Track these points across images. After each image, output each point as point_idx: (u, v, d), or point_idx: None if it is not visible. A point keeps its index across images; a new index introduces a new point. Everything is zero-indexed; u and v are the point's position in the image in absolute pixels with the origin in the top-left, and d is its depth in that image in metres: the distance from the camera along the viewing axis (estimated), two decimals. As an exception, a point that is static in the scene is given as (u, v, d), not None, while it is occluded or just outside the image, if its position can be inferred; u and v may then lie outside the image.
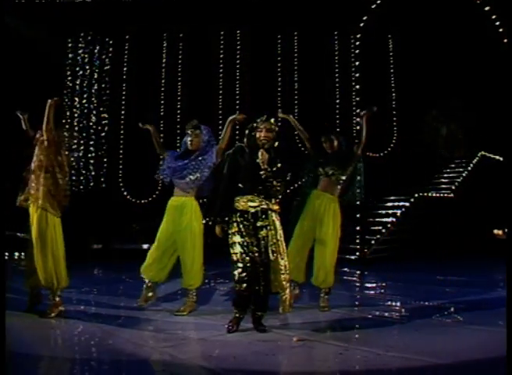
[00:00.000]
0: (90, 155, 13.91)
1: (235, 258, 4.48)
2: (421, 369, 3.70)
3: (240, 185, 4.58)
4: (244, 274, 4.43)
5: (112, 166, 13.96)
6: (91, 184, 13.79)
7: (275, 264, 4.48)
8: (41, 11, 12.76)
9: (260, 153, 4.59)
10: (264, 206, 4.55)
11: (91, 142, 13.96)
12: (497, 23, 10.39)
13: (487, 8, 10.31)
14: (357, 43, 14.28)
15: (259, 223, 4.52)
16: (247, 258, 4.44)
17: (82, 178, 13.76)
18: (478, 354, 3.99)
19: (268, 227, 4.52)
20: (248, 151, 4.64)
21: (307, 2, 13.27)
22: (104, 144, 14.00)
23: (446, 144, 14.94)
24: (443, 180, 12.98)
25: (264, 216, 4.54)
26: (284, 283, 4.48)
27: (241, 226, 4.50)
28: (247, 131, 4.78)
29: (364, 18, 11.97)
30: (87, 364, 3.86)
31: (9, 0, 12.25)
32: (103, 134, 14.01)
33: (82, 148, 13.88)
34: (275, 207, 4.62)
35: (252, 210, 4.53)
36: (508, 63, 9.95)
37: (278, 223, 4.58)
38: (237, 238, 4.48)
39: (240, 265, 4.44)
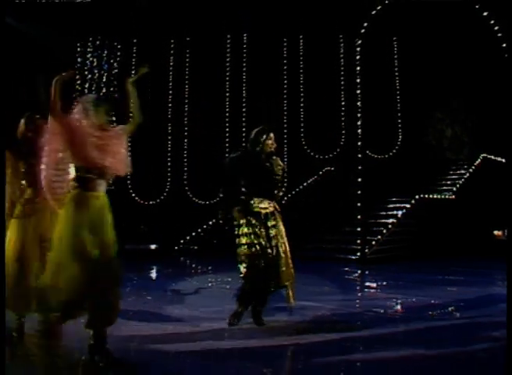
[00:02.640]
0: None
1: (243, 257, 4.77)
2: (415, 360, 3.98)
3: (249, 187, 4.88)
4: (251, 272, 4.73)
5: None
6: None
7: (285, 259, 4.81)
8: (51, 15, 13.08)
9: (275, 161, 4.96)
10: (272, 208, 4.88)
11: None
12: (496, 28, 10.62)
13: (485, 14, 10.55)
14: (361, 47, 14.54)
15: (269, 223, 4.85)
16: (254, 257, 4.74)
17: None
18: (474, 346, 4.28)
19: (277, 227, 4.85)
20: (256, 156, 4.93)
21: (312, 7, 13.54)
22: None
23: (451, 146, 15.15)
24: (445, 182, 13.21)
25: (273, 217, 4.87)
26: (288, 278, 4.80)
27: (250, 227, 4.79)
28: (253, 137, 5.02)
29: (367, 23, 12.19)
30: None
31: (19, 3, 12.54)
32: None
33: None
34: (278, 208, 4.96)
35: (263, 211, 4.86)
36: (508, 66, 10.20)
37: (281, 223, 4.91)
38: (245, 239, 4.77)
39: (247, 264, 4.74)
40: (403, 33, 14.50)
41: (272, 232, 4.83)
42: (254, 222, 4.78)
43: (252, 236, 4.74)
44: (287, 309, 5.19)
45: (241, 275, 4.83)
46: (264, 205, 4.87)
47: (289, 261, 4.83)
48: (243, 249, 4.78)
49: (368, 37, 13.87)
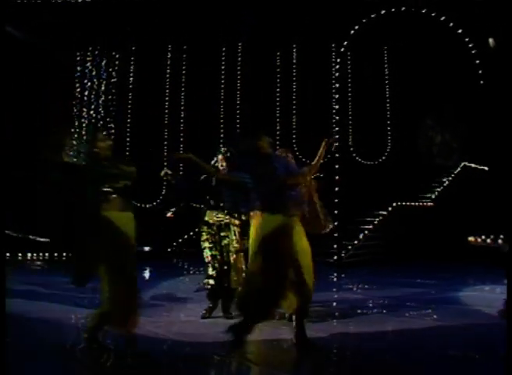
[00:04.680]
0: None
1: (206, 260, 5.84)
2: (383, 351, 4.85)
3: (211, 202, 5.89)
4: (214, 272, 5.78)
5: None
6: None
7: (235, 265, 5.79)
8: (52, 27, 13.95)
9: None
10: (227, 220, 5.87)
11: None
12: (470, 46, 11.49)
13: (460, 31, 11.41)
14: (350, 55, 15.38)
15: (222, 233, 5.87)
16: (215, 259, 5.78)
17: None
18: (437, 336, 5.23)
19: (229, 237, 5.84)
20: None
21: (305, 17, 14.35)
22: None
23: (441, 153, 15.82)
24: (425, 189, 13.94)
25: (226, 228, 5.86)
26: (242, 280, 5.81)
27: (208, 235, 5.84)
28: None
29: (354, 32, 12.90)
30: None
31: (21, 16, 13.40)
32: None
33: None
34: (236, 222, 5.92)
35: (217, 223, 5.84)
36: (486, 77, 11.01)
37: (237, 234, 5.88)
38: (206, 244, 5.85)
39: (210, 264, 5.80)
40: (393, 42, 15.21)
41: (224, 241, 5.87)
42: (209, 230, 5.80)
43: (208, 250, 5.79)
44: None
45: (208, 274, 5.86)
46: (219, 218, 5.87)
47: (242, 267, 5.79)
48: (205, 258, 5.83)
49: (358, 46, 14.70)
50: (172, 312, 6.42)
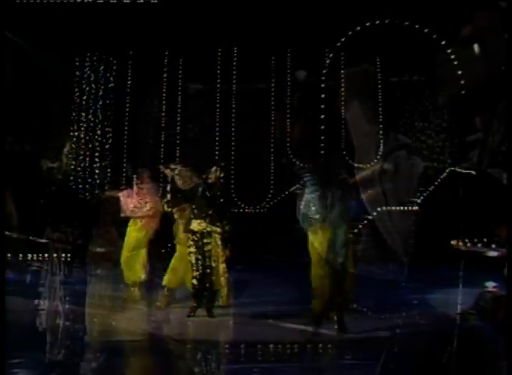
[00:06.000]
0: (95, 165, 15.74)
1: (191, 264, 6.40)
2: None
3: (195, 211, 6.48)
4: (197, 274, 6.38)
5: (116, 175, 15.73)
6: (96, 192, 15.61)
7: (216, 269, 6.38)
8: (51, 32, 14.39)
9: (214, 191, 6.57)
10: (209, 229, 6.44)
11: (96, 153, 15.78)
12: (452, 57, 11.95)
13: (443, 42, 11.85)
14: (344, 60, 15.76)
15: (205, 240, 6.43)
16: (200, 263, 6.38)
17: (88, 186, 15.60)
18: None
19: (212, 243, 6.42)
20: (204, 187, 6.52)
21: (300, 24, 14.76)
22: (108, 155, 15.84)
23: (431, 156, 16.14)
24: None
25: (209, 236, 6.42)
26: (223, 282, 6.39)
27: (193, 242, 6.42)
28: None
29: (345, 39, 13.24)
30: (86, 334, 5.74)
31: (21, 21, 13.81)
32: (107, 146, 15.85)
33: (88, 158, 15.72)
34: (218, 230, 6.49)
35: (200, 231, 6.40)
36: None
37: (219, 241, 6.46)
38: (191, 249, 6.43)
39: (195, 268, 6.39)
40: (386, 48, 15.59)
41: (208, 247, 6.40)
42: (193, 237, 6.38)
43: (193, 255, 6.37)
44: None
45: (192, 276, 6.45)
46: (202, 226, 6.42)
47: (220, 271, 6.40)
48: (191, 257, 6.41)
49: (351, 53, 15.07)
50: (161, 311, 6.98)
